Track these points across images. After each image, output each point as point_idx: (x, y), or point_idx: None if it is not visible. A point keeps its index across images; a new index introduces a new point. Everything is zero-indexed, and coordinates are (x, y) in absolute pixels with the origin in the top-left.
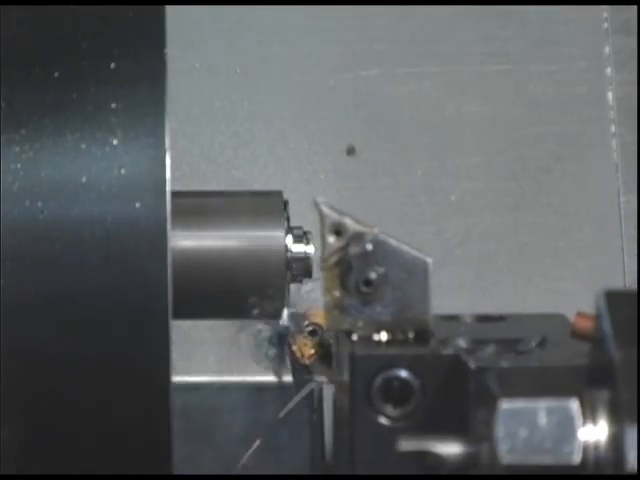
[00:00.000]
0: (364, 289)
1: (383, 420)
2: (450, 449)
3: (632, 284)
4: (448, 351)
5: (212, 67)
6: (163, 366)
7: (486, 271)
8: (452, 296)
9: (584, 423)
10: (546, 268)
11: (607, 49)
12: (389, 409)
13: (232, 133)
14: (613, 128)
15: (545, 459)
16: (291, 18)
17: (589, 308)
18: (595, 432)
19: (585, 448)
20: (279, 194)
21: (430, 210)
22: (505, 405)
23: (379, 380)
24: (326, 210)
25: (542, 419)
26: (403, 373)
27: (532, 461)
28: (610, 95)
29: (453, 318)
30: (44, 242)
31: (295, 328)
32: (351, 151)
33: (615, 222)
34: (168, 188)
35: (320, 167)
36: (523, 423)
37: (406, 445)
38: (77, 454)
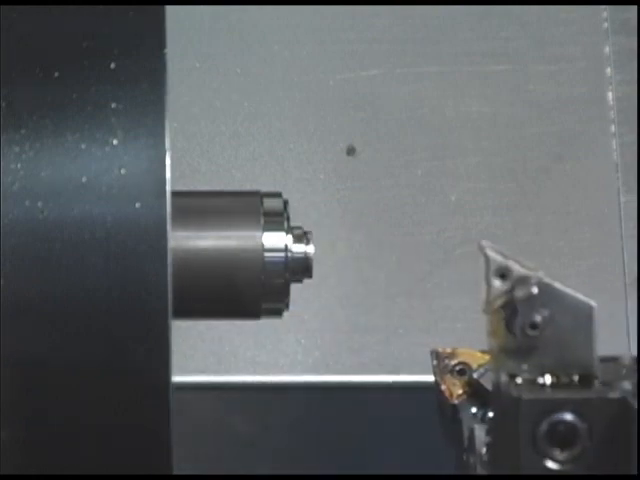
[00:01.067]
0: (530, 332)
1: (550, 464)
2: None
3: (632, 284)
4: (614, 394)
5: (212, 67)
6: (163, 366)
7: None
8: (452, 296)
9: None
10: (546, 268)
11: (607, 49)
12: (556, 453)
13: (232, 133)
14: (613, 128)
15: None
16: (291, 18)
17: None
18: None
19: None
20: (279, 194)
21: (430, 210)
22: None
23: (545, 424)
24: (491, 253)
25: None
26: (569, 417)
27: None
28: (610, 95)
29: (613, 359)
30: (44, 242)
31: (442, 367)
32: (351, 151)
33: (615, 222)
34: (168, 188)
35: (320, 167)
36: None
37: None
38: (77, 454)
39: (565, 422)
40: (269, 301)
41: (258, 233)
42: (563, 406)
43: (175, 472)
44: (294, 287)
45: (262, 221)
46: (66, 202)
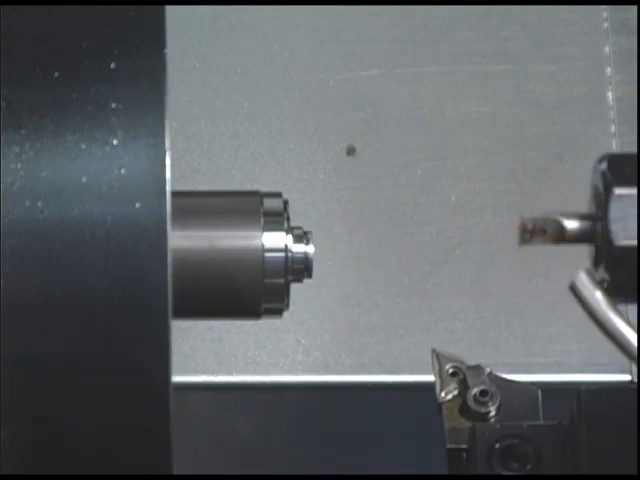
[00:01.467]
0: (482, 399)
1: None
2: (570, 224)
3: None
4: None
5: (212, 67)
6: (163, 366)
7: (486, 271)
8: (452, 296)
9: None
10: (546, 268)
11: (607, 49)
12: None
13: (232, 133)
14: (613, 128)
15: None
16: (291, 18)
17: None
18: None
19: None
20: (279, 194)
21: (430, 210)
22: (617, 191)
23: (498, 448)
24: (442, 356)
25: None
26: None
27: None
28: (610, 95)
29: None
30: (44, 242)
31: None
32: (351, 151)
33: None
34: (168, 188)
35: (320, 167)
36: (633, 208)
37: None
38: (76, 454)
39: (514, 445)
40: (269, 301)
41: (258, 233)
42: (513, 431)
43: (175, 472)
44: (294, 287)
45: (262, 221)
46: (66, 202)
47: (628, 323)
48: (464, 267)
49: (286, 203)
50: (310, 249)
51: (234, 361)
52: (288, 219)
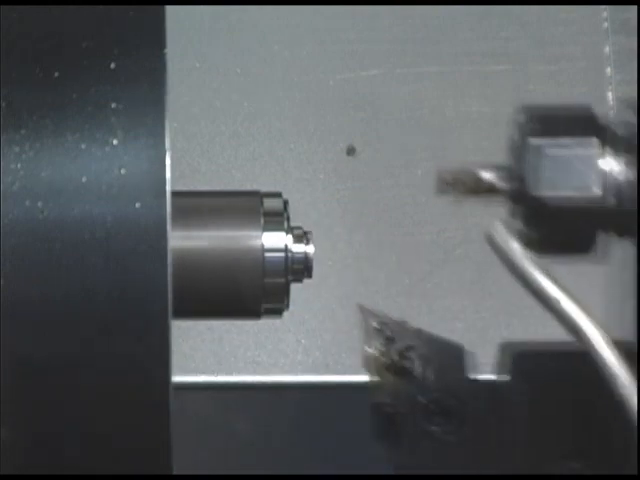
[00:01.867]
0: (407, 355)
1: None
2: (486, 175)
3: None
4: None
5: (212, 67)
6: (163, 366)
7: (486, 271)
8: (452, 296)
9: (604, 157)
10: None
11: (607, 49)
12: (435, 424)
13: (232, 133)
14: None
15: (569, 191)
16: (291, 18)
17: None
18: (615, 165)
19: (605, 182)
20: (279, 194)
21: (430, 210)
22: (533, 142)
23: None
24: (368, 311)
25: (567, 155)
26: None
27: (557, 193)
28: (610, 95)
29: None
30: (44, 242)
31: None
32: (351, 151)
33: None
34: (168, 188)
35: (320, 167)
36: (549, 159)
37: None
38: (76, 454)
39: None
40: (269, 301)
41: (258, 233)
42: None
43: (175, 472)
44: (294, 287)
45: (262, 221)
46: (66, 202)
47: (543, 272)
48: (464, 267)
49: (286, 203)
50: (310, 249)
51: (234, 361)
52: (288, 219)
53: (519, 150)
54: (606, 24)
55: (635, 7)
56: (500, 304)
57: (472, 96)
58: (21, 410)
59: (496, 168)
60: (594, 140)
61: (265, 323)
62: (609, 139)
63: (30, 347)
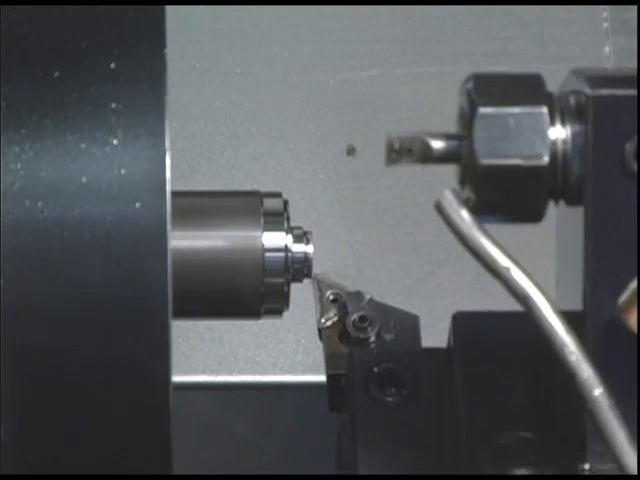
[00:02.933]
0: (361, 325)
1: (385, 400)
2: (436, 143)
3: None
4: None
5: (212, 67)
6: (163, 366)
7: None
8: (452, 296)
9: (552, 125)
10: (546, 269)
11: (607, 49)
12: (387, 394)
13: (232, 133)
14: None
15: (517, 160)
16: (291, 18)
17: None
18: (564, 134)
19: (554, 151)
20: (279, 194)
21: (430, 210)
22: (482, 110)
23: (374, 372)
24: (323, 282)
25: (515, 123)
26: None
27: (506, 161)
28: None
29: None
30: (44, 242)
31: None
32: (351, 151)
33: None
34: (168, 188)
35: (320, 167)
36: (498, 127)
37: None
38: (76, 454)
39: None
40: (269, 301)
41: (258, 233)
42: (390, 356)
43: (175, 472)
44: (294, 287)
45: (262, 221)
46: (66, 202)
47: (493, 241)
48: (464, 267)
49: (286, 203)
50: (310, 249)
51: (234, 361)
52: (288, 219)
53: (468, 118)
54: (606, 24)
55: (635, 7)
56: (500, 304)
57: None
58: (21, 410)
59: (445, 136)
60: (543, 109)
61: (265, 323)
62: (558, 108)
63: (30, 347)
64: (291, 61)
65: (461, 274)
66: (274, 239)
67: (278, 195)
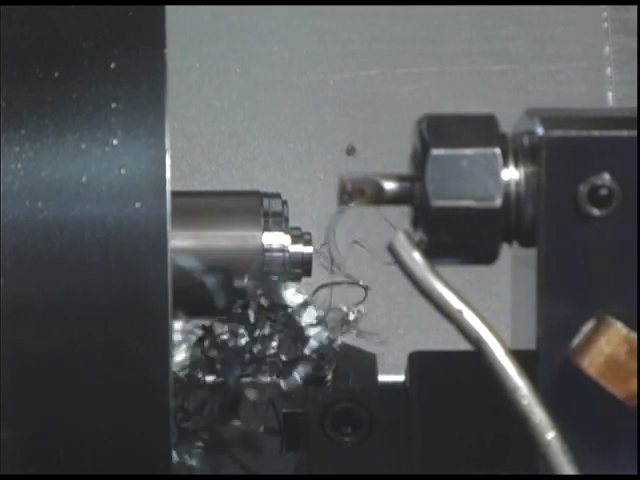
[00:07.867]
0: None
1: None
2: (388, 185)
3: None
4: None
5: (212, 67)
6: (163, 366)
7: (486, 271)
8: None
9: (506, 166)
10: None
11: (607, 49)
12: (344, 434)
13: (232, 133)
14: None
15: (470, 202)
16: (291, 18)
17: None
18: (516, 173)
19: (507, 192)
20: (278, 195)
21: None
22: (435, 152)
23: (330, 412)
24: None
25: (468, 165)
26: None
27: (458, 203)
28: (610, 95)
29: None
30: (44, 242)
31: None
32: (351, 151)
33: None
34: (168, 188)
35: (320, 167)
36: (450, 168)
37: (348, 178)
38: (76, 454)
39: (348, 409)
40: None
41: (258, 233)
42: (346, 396)
43: (175, 472)
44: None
45: (262, 221)
46: (66, 202)
47: (444, 283)
48: (464, 267)
49: (285, 204)
50: (308, 249)
51: None
52: (287, 220)
53: (421, 159)
54: (606, 24)
55: (635, 7)
56: (500, 304)
57: (472, 96)
58: (21, 409)
59: (398, 178)
60: (497, 150)
61: None
62: (512, 149)
63: (30, 347)
64: (291, 61)
65: (461, 274)
66: (274, 239)
67: (277, 196)
